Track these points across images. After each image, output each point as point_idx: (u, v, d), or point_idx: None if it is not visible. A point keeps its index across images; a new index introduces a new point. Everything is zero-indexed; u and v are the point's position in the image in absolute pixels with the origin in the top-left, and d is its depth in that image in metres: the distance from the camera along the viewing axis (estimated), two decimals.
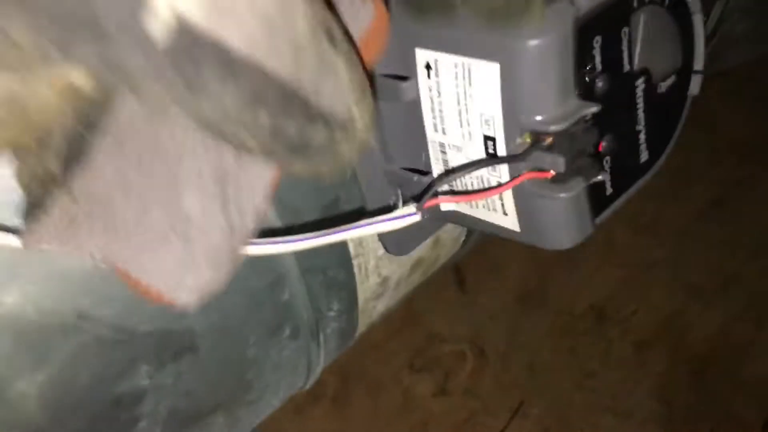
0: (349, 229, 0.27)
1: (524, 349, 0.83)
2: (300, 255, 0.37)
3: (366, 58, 0.23)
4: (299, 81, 0.17)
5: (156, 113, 0.20)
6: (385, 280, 0.45)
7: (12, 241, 0.23)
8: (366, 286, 0.44)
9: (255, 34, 0.15)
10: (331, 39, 0.18)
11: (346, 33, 0.21)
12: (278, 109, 0.17)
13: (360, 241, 0.40)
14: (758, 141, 1.00)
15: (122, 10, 0.13)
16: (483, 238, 0.52)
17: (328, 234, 0.27)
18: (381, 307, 0.48)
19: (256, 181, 0.22)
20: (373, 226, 0.27)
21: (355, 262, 0.41)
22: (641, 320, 0.85)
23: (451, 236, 0.48)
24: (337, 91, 0.18)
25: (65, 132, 0.19)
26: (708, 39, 0.68)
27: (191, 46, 0.14)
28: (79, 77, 0.16)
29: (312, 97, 0.18)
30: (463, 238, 0.50)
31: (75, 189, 0.20)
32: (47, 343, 0.30)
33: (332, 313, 0.42)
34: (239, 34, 0.15)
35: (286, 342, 0.39)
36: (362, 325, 0.47)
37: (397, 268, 0.45)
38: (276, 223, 0.34)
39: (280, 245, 0.27)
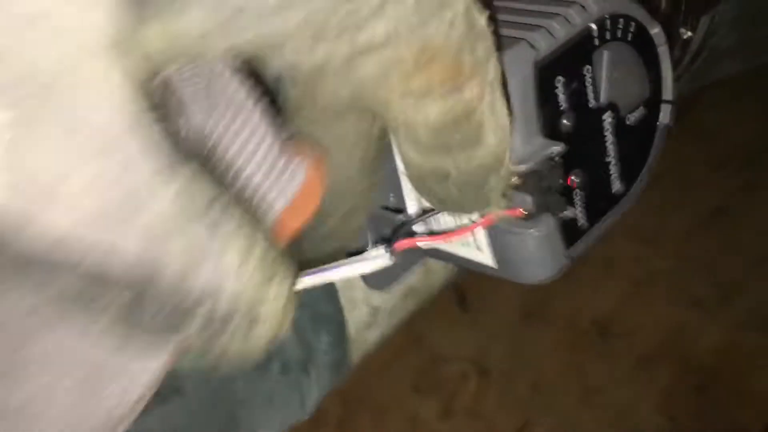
0: (317, 273, 0.27)
1: (528, 366, 0.83)
2: None
3: (295, 222, 0.21)
4: (155, 269, 0.15)
5: None
6: (375, 310, 0.46)
7: None
8: (355, 317, 0.44)
9: (77, 227, 0.13)
10: (220, 215, 0.16)
11: (253, 206, 0.19)
12: (124, 296, 0.15)
13: None
14: (756, 148, 0.99)
15: None
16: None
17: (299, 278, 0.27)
18: (374, 335, 0.48)
19: (136, 371, 0.18)
20: (344, 269, 0.27)
21: (341, 295, 0.42)
22: (645, 334, 0.85)
23: (441, 262, 0.49)
24: (219, 274, 0.16)
25: None
26: (697, 53, 0.68)
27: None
28: None
29: (176, 287, 0.15)
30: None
31: None
32: None
33: (322, 346, 0.42)
34: (51, 226, 0.13)
35: (275, 378, 0.40)
36: (356, 355, 0.47)
37: (387, 297, 0.46)
38: None
39: None
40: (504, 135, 0.21)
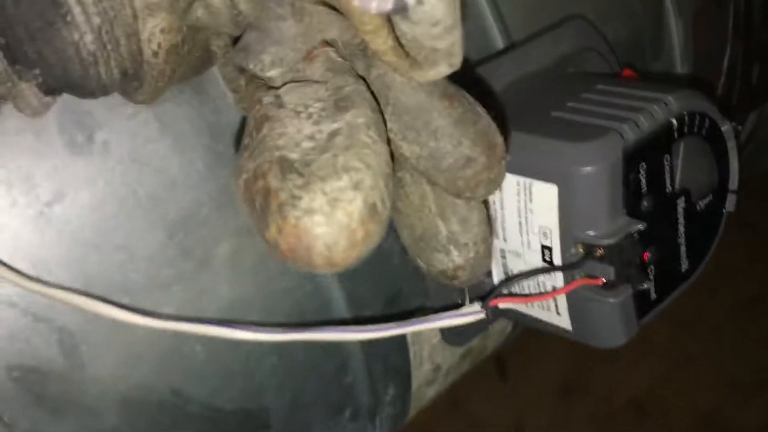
0: (422, 323, 0.30)
1: None
2: (365, 341, 0.40)
3: None
4: None
5: None
6: (437, 368, 0.48)
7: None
8: (419, 373, 0.46)
9: None
10: None
11: None
12: None
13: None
14: None
15: None
16: (525, 329, 0.55)
17: (403, 326, 0.30)
18: (431, 393, 0.50)
19: None
20: (444, 321, 0.30)
21: (411, 350, 0.44)
22: (681, 416, 0.86)
23: (499, 327, 0.51)
24: None
25: None
26: (744, 146, 0.72)
27: None
28: None
29: None
30: (509, 330, 0.53)
31: None
32: (145, 417, 0.33)
33: (388, 398, 0.44)
34: None
35: (346, 423, 0.42)
36: (413, 410, 0.49)
37: (449, 356, 0.48)
38: (344, 313, 0.38)
39: (355, 334, 0.30)
40: None
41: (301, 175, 0.21)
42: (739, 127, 0.66)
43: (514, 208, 0.32)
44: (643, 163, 0.31)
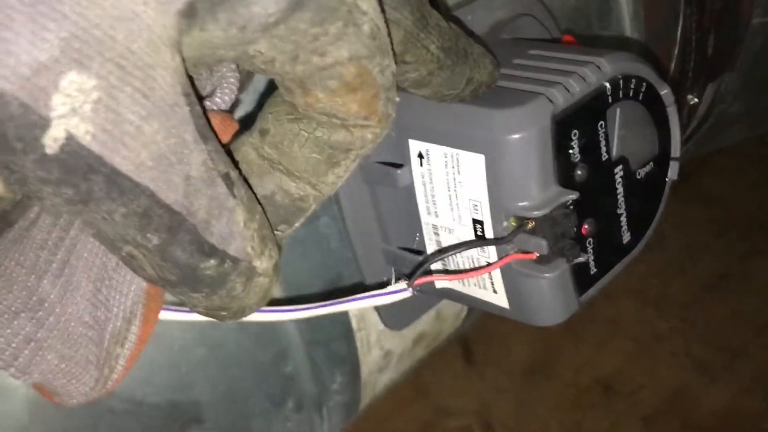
0: (342, 303, 0.28)
1: (532, 423, 0.83)
2: (303, 328, 0.38)
3: None
4: (189, 212, 0.18)
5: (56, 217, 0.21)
6: (387, 354, 0.47)
7: None
8: (369, 359, 0.45)
9: (144, 163, 0.17)
10: (229, 185, 0.20)
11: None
12: (166, 233, 0.18)
13: (362, 315, 0.42)
14: (760, 216, 1.01)
15: (26, 131, 0.16)
16: (487, 312, 0.53)
17: (323, 306, 0.28)
18: (385, 380, 0.49)
19: (130, 289, 0.22)
20: (366, 300, 0.28)
21: (357, 336, 0.43)
22: (649, 394, 0.85)
23: (453, 311, 0.50)
24: (232, 232, 0.20)
25: None
26: (704, 119, 0.71)
27: (79, 160, 0.16)
28: None
29: (202, 230, 0.19)
30: (465, 313, 0.51)
31: None
32: (62, 414, 0.31)
33: (335, 386, 0.43)
34: (127, 159, 0.17)
35: (289, 414, 0.41)
36: (366, 398, 0.48)
37: (399, 341, 0.47)
38: (278, 295, 0.36)
39: (276, 314, 0.28)
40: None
41: None
42: (697, 100, 0.65)
43: (443, 182, 0.30)
44: (576, 130, 0.29)
